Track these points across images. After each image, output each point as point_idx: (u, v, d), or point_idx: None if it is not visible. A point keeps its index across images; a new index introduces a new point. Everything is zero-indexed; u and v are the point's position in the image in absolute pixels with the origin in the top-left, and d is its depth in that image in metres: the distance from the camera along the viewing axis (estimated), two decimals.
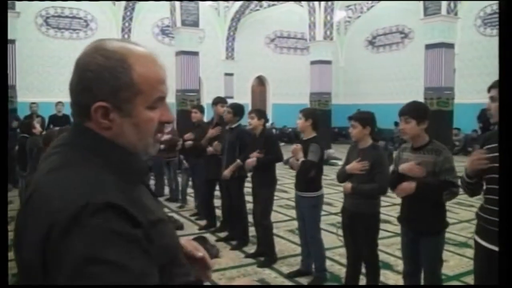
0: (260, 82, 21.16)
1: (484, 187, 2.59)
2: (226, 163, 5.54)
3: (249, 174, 5.30)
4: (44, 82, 15.68)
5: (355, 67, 21.12)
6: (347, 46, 21.64)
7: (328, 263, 4.63)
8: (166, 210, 7.45)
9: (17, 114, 9.99)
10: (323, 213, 4.85)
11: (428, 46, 11.69)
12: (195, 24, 12.05)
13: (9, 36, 10.05)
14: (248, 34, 19.78)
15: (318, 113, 4.52)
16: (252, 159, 4.86)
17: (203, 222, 6.60)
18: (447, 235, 3.59)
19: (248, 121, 5.10)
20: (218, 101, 6.46)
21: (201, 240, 4.52)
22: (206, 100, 18.95)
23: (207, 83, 19.39)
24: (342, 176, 3.86)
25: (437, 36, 11.35)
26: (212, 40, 19.28)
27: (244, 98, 19.98)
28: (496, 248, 2.26)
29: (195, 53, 12.29)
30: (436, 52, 11.47)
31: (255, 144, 5.00)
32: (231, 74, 19.87)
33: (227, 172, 5.38)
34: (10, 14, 10.19)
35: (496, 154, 2.39)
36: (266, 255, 5.00)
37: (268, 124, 4.06)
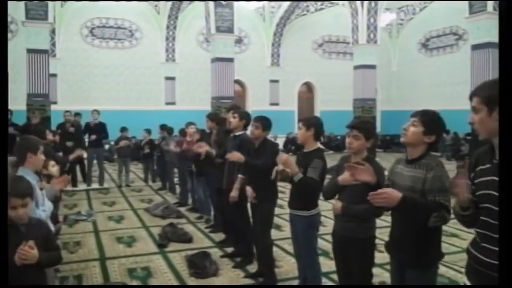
0: (308, 88, 20.65)
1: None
2: (227, 172, 5.18)
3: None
4: (89, 91, 16.04)
5: (408, 71, 20.09)
6: (400, 49, 20.65)
7: None
8: (183, 220, 7.19)
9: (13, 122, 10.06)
10: (324, 232, 4.34)
11: (475, 47, 10.72)
12: (230, 30, 11.81)
13: (42, 47, 10.31)
14: (295, 39, 19.38)
15: (321, 122, 3.99)
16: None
17: (218, 235, 6.24)
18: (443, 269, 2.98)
19: (250, 130, 4.70)
20: (231, 108, 6.10)
21: (202, 255, 4.14)
22: (251, 107, 18.77)
23: (252, 90, 19.18)
24: (329, 192, 3.36)
25: (483, 35, 10.37)
26: (258, 47, 19.08)
27: (290, 105, 19.61)
28: None
29: (230, 60, 12.03)
30: (483, 53, 10.47)
31: (253, 154, 4.59)
32: (277, 81, 19.54)
33: (234, 193, 4.96)
34: (42, 25, 10.39)
35: (492, 177, 1.89)
36: (267, 276, 4.55)
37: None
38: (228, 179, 5.19)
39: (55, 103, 14.36)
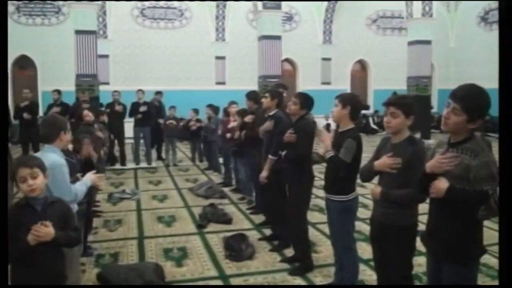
0: (362, 67, 19.97)
1: None
2: (264, 153, 5.02)
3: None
4: (140, 71, 16.25)
5: (467, 47, 18.92)
6: (458, 24, 19.47)
7: (366, 277, 3.88)
8: (226, 201, 7.12)
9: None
10: (367, 216, 4.06)
11: None
12: (278, 6, 11.48)
13: (89, 28, 10.42)
14: (347, 15, 18.68)
15: (358, 99, 3.70)
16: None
17: (258, 217, 6.11)
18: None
19: (288, 104, 4.48)
20: (278, 87, 5.89)
21: (239, 238, 4.02)
22: (302, 86, 18.39)
23: (303, 69, 18.77)
24: (367, 174, 3.10)
25: None
26: (309, 24, 18.59)
27: (342, 84, 19.02)
28: None
29: (277, 37, 11.73)
30: None
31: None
32: (329, 59, 18.98)
33: (264, 174, 4.85)
34: (89, 6, 10.50)
35: None
36: (302, 260, 4.36)
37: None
38: (265, 161, 5.02)
39: (107, 83, 14.67)
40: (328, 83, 18.80)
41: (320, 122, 16.21)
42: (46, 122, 3.11)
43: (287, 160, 4.26)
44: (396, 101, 2.88)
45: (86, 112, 6.22)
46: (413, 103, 2.96)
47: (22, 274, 2.34)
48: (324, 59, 18.93)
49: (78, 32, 10.52)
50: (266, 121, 5.13)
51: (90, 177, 3.26)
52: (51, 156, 2.96)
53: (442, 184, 2.27)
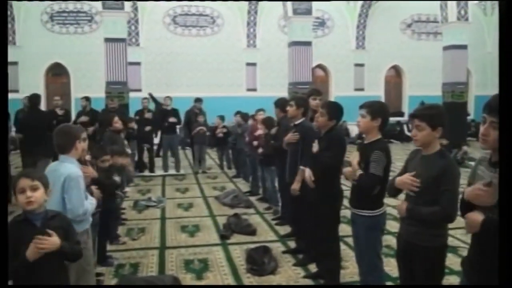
0: (396, 72, 19.52)
1: None
2: (289, 164, 4.84)
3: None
4: (172, 78, 16.34)
5: None
6: (495, 28, 18.76)
7: None
8: (252, 211, 6.97)
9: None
10: (394, 231, 3.84)
11: None
12: (308, 12, 11.29)
13: (119, 35, 10.53)
14: (381, 20, 18.29)
15: (388, 110, 3.46)
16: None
17: (284, 228, 5.93)
18: None
19: (315, 116, 4.27)
20: (311, 93, 5.60)
21: (262, 251, 3.86)
22: (335, 93, 18.13)
23: (335, 75, 18.49)
24: (393, 189, 2.89)
25: None
26: (341, 29, 18.30)
27: (376, 90, 18.64)
28: None
29: (308, 43, 11.53)
30: None
31: (317, 144, 4.13)
32: (362, 65, 18.63)
33: (295, 186, 4.60)
34: (119, 14, 10.59)
35: None
36: (328, 277, 4.15)
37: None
38: (290, 171, 4.84)
39: (139, 90, 14.80)
40: (362, 89, 18.43)
41: (353, 129, 15.91)
42: (60, 132, 3.04)
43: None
44: (419, 113, 2.68)
45: (116, 119, 6.22)
46: (439, 114, 2.72)
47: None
48: (357, 65, 18.59)
49: (107, 40, 10.64)
50: (290, 130, 4.95)
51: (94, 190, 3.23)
52: (69, 166, 2.90)
53: (476, 217, 2.02)
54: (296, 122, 4.83)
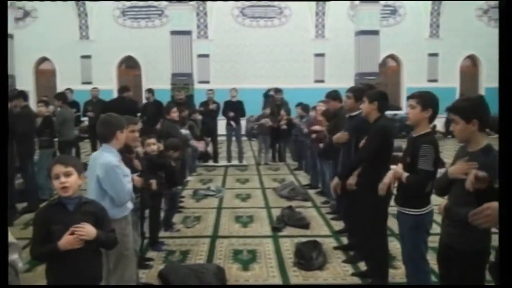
0: (473, 62, 18.40)
1: None
2: (341, 157, 4.72)
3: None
4: (240, 69, 16.49)
5: None
6: None
7: None
8: (308, 204, 6.90)
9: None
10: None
11: None
12: None
13: (185, 28, 10.72)
14: (456, 7, 17.22)
15: (438, 101, 3.26)
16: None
17: (339, 223, 5.82)
18: None
19: (361, 106, 4.14)
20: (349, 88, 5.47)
21: (311, 245, 3.83)
22: (407, 84, 17.44)
23: (407, 65, 17.76)
24: (441, 186, 2.73)
25: None
26: (414, 17, 17.50)
27: (451, 81, 17.72)
28: None
29: (375, 32, 11.16)
30: None
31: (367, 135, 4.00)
32: (436, 54, 17.73)
33: (351, 181, 4.36)
34: (184, 7, 10.80)
35: None
36: (377, 276, 4.01)
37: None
38: (343, 165, 4.71)
39: (207, 82, 15.09)
40: (435, 81, 17.57)
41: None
42: (102, 122, 3.16)
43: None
44: (452, 106, 2.53)
45: (174, 109, 6.40)
46: (473, 105, 2.55)
47: (59, 273, 2.36)
48: (430, 54, 17.72)
49: (173, 32, 10.93)
50: (346, 123, 4.82)
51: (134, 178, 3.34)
52: (107, 156, 3.01)
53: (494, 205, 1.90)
54: (352, 114, 4.67)
